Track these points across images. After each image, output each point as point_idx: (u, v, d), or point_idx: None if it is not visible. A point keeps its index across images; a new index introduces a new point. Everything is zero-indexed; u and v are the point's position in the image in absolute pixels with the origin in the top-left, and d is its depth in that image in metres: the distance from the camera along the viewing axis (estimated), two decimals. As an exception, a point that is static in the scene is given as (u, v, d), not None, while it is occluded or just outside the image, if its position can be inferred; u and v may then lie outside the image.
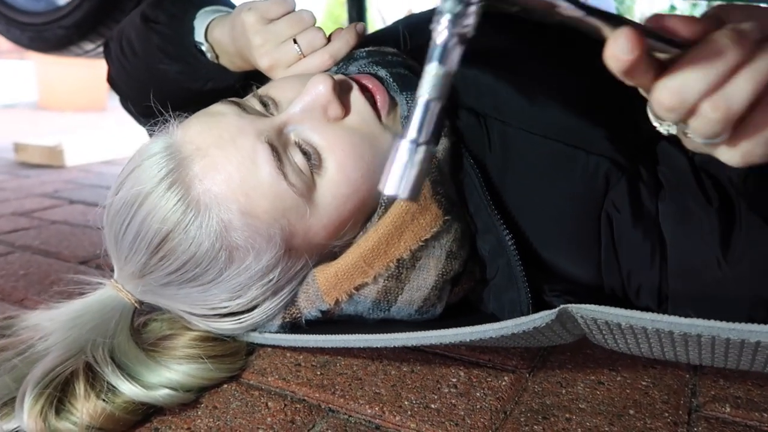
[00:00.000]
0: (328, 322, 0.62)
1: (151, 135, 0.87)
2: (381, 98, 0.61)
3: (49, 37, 1.65)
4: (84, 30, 1.58)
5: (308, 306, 0.60)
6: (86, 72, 3.70)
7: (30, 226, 1.15)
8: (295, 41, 0.65)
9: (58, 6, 1.67)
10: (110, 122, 3.08)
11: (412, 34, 0.75)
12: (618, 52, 0.35)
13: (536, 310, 0.57)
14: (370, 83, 0.62)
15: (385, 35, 0.78)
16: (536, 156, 0.62)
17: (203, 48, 0.73)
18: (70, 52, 1.71)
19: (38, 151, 1.87)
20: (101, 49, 1.65)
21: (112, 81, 0.87)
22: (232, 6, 0.79)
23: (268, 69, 0.67)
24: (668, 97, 0.37)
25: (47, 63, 3.65)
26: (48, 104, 3.83)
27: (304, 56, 0.66)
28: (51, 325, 0.58)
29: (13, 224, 1.17)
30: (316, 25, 0.67)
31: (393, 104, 0.62)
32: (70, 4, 1.59)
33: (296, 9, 0.67)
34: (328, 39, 0.67)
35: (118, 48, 0.81)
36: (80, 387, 0.51)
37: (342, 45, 0.66)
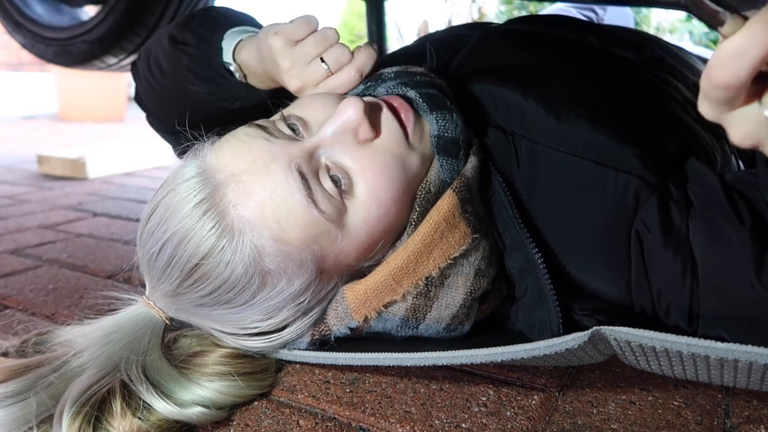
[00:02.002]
0: (357, 339, 0.62)
1: (177, 155, 0.88)
2: (407, 118, 0.61)
3: (73, 51, 1.68)
4: (107, 44, 1.61)
5: (337, 323, 0.61)
6: (105, 83, 3.77)
7: (56, 240, 1.17)
8: (322, 59, 0.66)
9: (82, 21, 1.71)
10: (129, 133, 3.13)
11: (436, 52, 0.76)
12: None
13: (566, 329, 0.57)
14: (396, 103, 0.62)
15: (411, 53, 0.79)
16: (564, 174, 0.62)
17: (231, 68, 0.74)
18: (94, 66, 1.73)
19: (61, 163, 1.90)
20: (124, 63, 1.69)
21: (140, 99, 0.88)
22: (259, 25, 0.80)
23: (297, 90, 0.67)
24: None
25: (67, 75, 3.71)
26: (68, 115, 3.89)
27: (333, 73, 0.67)
28: (84, 341, 0.59)
29: (40, 237, 1.19)
30: (339, 42, 0.67)
31: (420, 123, 0.63)
32: (93, 19, 1.62)
33: (320, 27, 0.68)
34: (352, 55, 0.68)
35: (145, 68, 0.82)
36: (117, 405, 0.51)
37: (366, 58, 0.67)
